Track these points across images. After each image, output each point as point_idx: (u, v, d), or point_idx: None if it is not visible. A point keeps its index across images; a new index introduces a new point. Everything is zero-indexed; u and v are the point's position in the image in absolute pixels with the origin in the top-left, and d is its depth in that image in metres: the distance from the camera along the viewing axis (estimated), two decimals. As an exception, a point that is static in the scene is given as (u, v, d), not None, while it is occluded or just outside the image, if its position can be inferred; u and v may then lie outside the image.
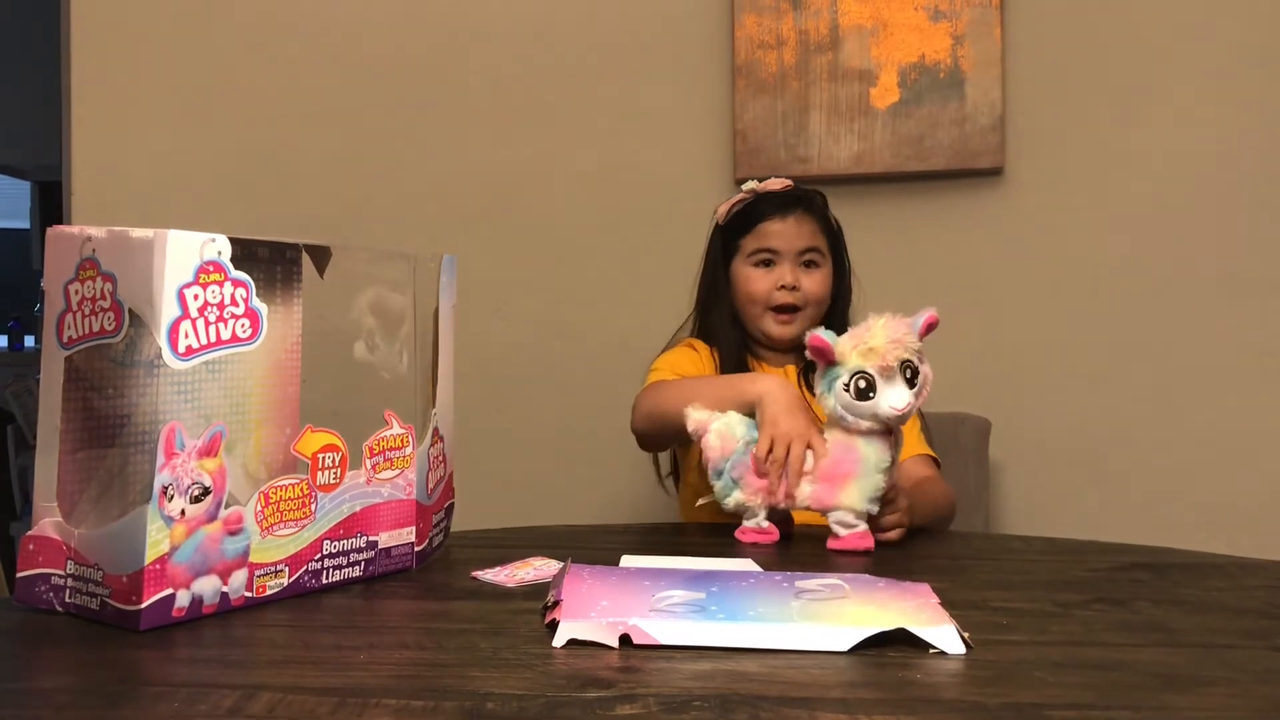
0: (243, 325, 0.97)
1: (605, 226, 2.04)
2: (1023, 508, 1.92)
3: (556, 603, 0.94)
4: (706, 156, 2.02)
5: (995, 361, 1.95)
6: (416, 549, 1.14)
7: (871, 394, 1.23)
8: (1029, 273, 1.95)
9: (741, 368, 1.58)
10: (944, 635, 0.88)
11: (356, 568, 1.08)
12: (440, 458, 1.21)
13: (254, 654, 0.87)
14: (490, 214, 2.06)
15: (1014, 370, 1.94)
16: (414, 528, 1.14)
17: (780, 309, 1.56)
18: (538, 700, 0.76)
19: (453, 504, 1.27)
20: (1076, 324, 1.93)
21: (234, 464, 0.97)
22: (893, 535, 1.28)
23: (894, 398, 1.23)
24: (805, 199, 1.61)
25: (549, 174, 2.06)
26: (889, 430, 1.25)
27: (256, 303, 0.98)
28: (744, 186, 1.62)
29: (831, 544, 1.25)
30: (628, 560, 1.10)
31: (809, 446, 1.26)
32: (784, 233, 1.57)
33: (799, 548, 1.27)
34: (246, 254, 0.97)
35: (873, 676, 0.82)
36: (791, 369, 1.60)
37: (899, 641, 0.88)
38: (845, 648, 0.87)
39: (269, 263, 1.00)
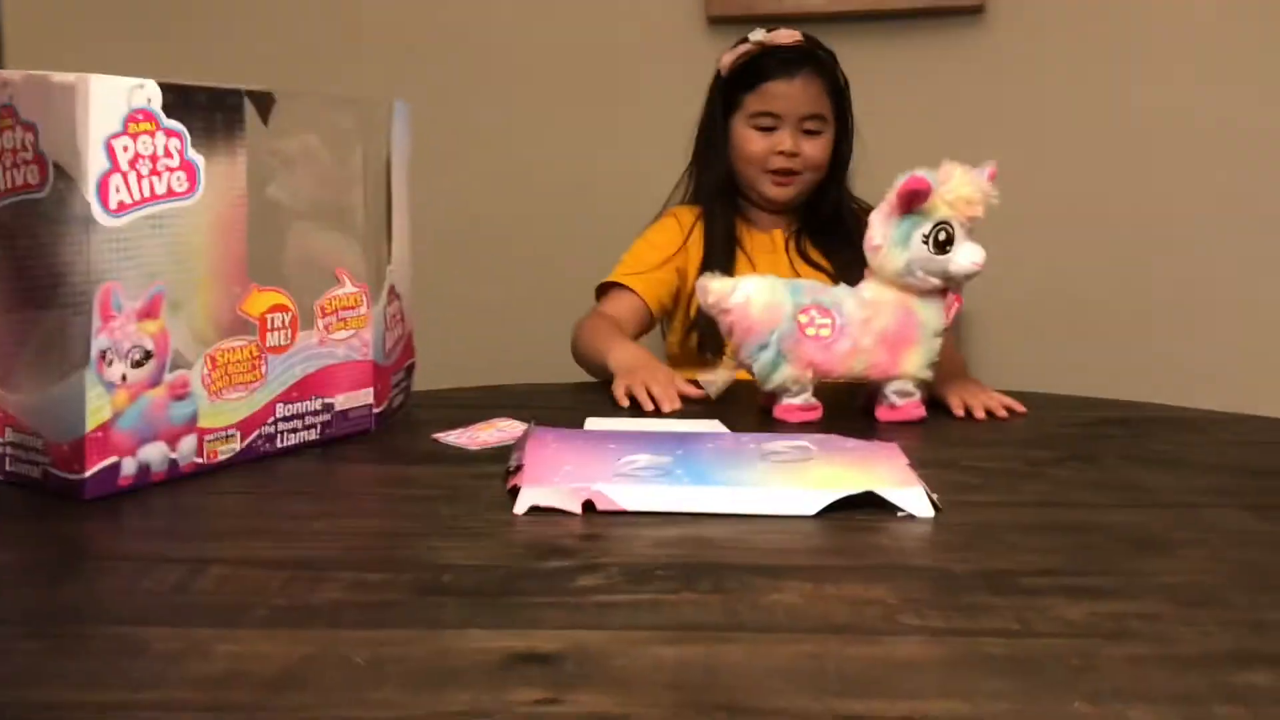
0: (179, 179, 0.91)
1: (566, 66, 1.94)
2: (994, 359, 1.90)
3: (519, 468, 0.91)
4: (676, -8, 1.92)
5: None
6: (375, 411, 1.11)
7: (949, 247, 1.15)
8: (1007, 117, 1.88)
9: (729, 233, 1.53)
10: (912, 498, 0.86)
11: (313, 431, 1.05)
12: (398, 316, 1.17)
13: (204, 524, 0.85)
14: (443, 57, 1.96)
15: (989, 217, 1.90)
16: (371, 389, 1.10)
17: (778, 171, 1.50)
18: (497, 571, 0.73)
19: (413, 364, 1.24)
20: (1054, 171, 1.88)
21: (179, 325, 0.92)
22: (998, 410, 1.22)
23: (972, 253, 1.15)
24: (813, 57, 1.53)
25: (504, 11, 1.95)
26: (944, 291, 1.18)
27: (193, 154, 0.92)
28: (751, 37, 1.53)
29: (885, 415, 1.18)
30: (592, 423, 1.07)
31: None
32: (789, 95, 1.50)
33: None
34: (181, 101, 0.91)
35: (839, 542, 0.81)
36: (779, 234, 1.55)
37: (867, 504, 0.86)
38: (812, 512, 0.85)
39: (207, 110, 0.93)
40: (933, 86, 1.89)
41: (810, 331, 1.16)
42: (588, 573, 0.73)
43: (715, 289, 1.19)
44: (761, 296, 1.17)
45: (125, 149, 0.87)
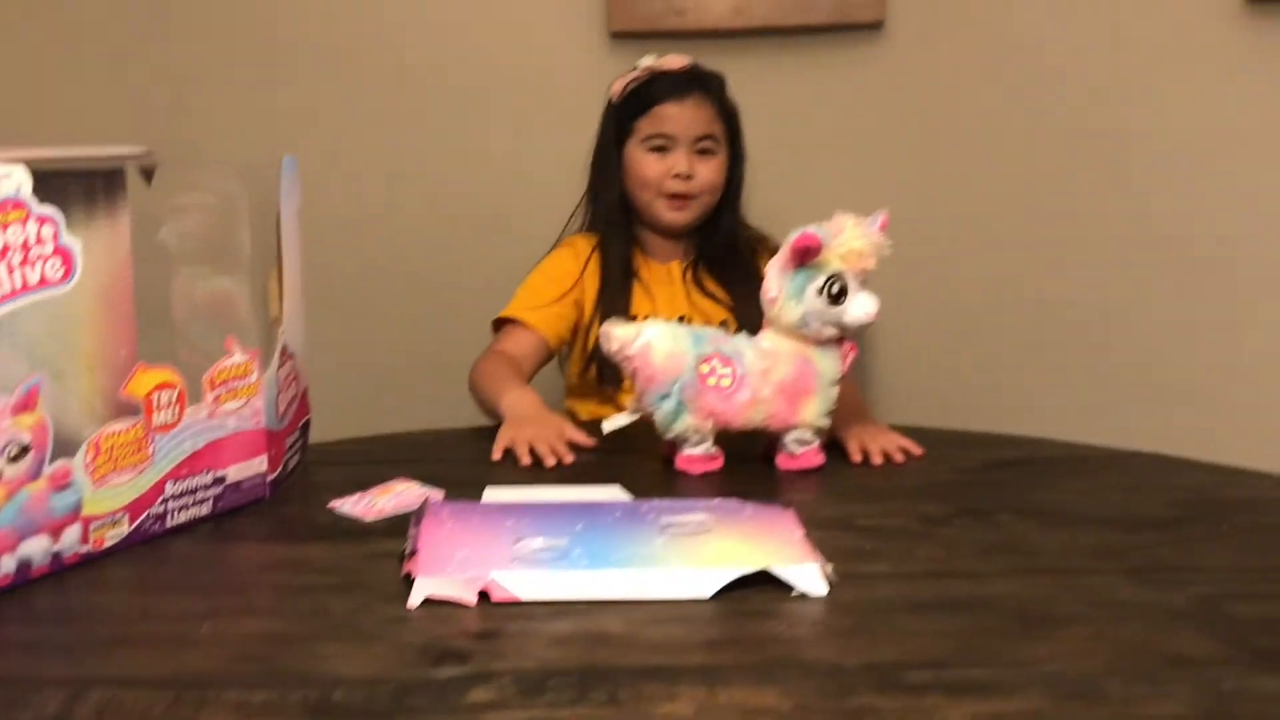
0: (53, 266, 0.89)
1: (463, 83, 1.91)
2: (892, 382, 1.93)
3: (414, 552, 0.90)
4: (576, 5, 1.90)
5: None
6: (269, 478, 1.09)
7: (843, 299, 1.16)
8: (906, 134, 1.90)
9: (625, 263, 1.53)
10: (805, 575, 0.88)
11: (204, 505, 1.03)
12: (291, 376, 1.15)
13: (88, 631, 0.83)
14: (338, 69, 1.91)
15: (888, 232, 1.92)
16: (265, 456, 1.08)
17: (673, 196, 1.50)
18: (387, 686, 0.73)
19: (308, 420, 1.22)
20: (952, 187, 1.90)
21: (66, 411, 0.90)
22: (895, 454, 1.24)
23: (865, 304, 1.16)
24: (703, 81, 1.54)
25: (396, 29, 1.91)
26: (841, 339, 1.19)
27: (68, 239, 0.89)
28: (640, 63, 1.54)
29: (785, 463, 1.20)
30: (491, 493, 1.06)
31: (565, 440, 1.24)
32: (680, 116, 1.50)
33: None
34: (53, 184, 0.88)
35: (734, 632, 0.81)
36: (676, 266, 1.55)
37: (763, 580, 0.87)
38: (708, 595, 0.85)
39: (86, 181, 0.91)
40: (833, 101, 1.90)
41: (711, 381, 1.17)
42: (480, 684, 0.73)
43: (618, 336, 1.19)
44: (664, 345, 1.18)
45: (-7, 242, 0.84)
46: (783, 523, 0.97)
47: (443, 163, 1.91)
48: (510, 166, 1.90)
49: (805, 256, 1.15)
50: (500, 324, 1.51)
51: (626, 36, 1.87)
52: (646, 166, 1.51)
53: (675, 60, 1.53)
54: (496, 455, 1.22)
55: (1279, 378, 1.82)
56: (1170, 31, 1.81)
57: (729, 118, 1.56)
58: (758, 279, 1.21)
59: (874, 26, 1.88)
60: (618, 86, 1.55)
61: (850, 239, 1.15)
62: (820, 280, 1.15)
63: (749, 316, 1.42)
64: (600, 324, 1.43)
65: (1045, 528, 1.02)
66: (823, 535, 0.97)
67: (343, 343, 1.75)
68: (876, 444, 1.24)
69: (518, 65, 1.90)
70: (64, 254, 0.89)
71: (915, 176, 1.91)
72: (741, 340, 1.20)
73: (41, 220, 0.87)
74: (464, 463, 1.20)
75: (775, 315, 1.18)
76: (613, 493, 1.07)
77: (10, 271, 0.85)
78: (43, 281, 0.88)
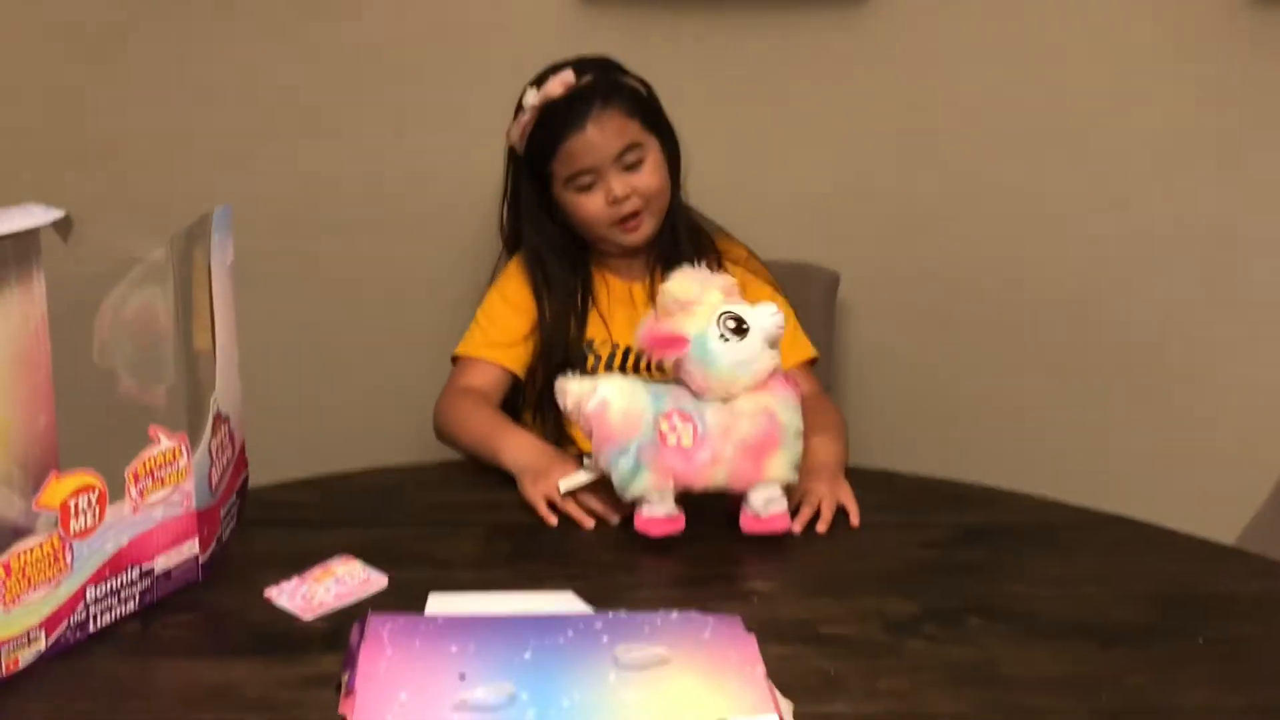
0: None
1: (429, 53, 1.77)
2: (869, 364, 1.87)
3: (350, 690, 0.85)
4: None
5: (848, 206, 1.83)
6: (201, 559, 1.03)
7: (745, 325, 1.11)
8: (887, 110, 1.80)
9: (586, 287, 1.43)
10: (765, 728, 0.83)
11: (130, 603, 0.97)
12: (226, 440, 1.07)
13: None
14: (298, 25, 1.78)
15: (867, 216, 1.84)
16: (195, 539, 1.02)
17: (623, 220, 1.40)
18: None
19: (246, 476, 1.15)
20: (935, 168, 1.81)
21: None
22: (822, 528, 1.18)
23: (766, 311, 1.12)
24: (595, 92, 1.37)
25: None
26: (787, 378, 1.16)
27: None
28: (524, 102, 1.38)
29: (751, 526, 1.13)
30: (435, 602, 1.00)
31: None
32: (589, 144, 1.35)
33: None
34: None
35: (687, 812, 0.77)
36: (639, 288, 1.45)
37: (719, 728, 0.83)
38: (662, 754, 0.81)
39: None
40: (813, 73, 1.79)
41: (671, 440, 1.12)
42: None
43: (573, 392, 1.14)
44: (620, 403, 1.12)
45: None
46: (743, 653, 0.92)
47: (402, 139, 1.80)
48: (476, 144, 1.76)
49: (674, 347, 1.12)
50: (464, 357, 1.42)
51: (598, 1, 1.75)
52: (583, 208, 1.39)
53: (559, 83, 1.37)
54: (552, 521, 1.17)
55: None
56: (1169, 20, 1.71)
57: (639, 107, 1.41)
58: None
59: (859, -3, 1.77)
60: (515, 136, 1.41)
61: (683, 289, 1.13)
62: (713, 330, 1.11)
63: None
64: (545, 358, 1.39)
65: (1015, 640, 0.98)
66: (783, 652, 0.93)
67: (284, 366, 1.69)
68: (826, 511, 1.19)
69: (489, 29, 1.77)
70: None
71: (895, 154, 1.82)
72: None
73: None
74: (408, 525, 1.15)
75: (720, 389, 1.13)
76: (566, 601, 1.01)
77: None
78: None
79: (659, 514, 1.13)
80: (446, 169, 1.79)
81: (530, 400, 1.43)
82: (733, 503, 1.17)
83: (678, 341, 1.11)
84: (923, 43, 1.77)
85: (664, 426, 1.12)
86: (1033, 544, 1.16)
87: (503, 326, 1.41)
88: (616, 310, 1.44)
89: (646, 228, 1.41)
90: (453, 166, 1.78)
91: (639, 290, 1.44)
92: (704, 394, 1.13)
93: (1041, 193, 1.80)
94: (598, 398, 1.13)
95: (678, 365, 1.13)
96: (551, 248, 1.42)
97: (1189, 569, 1.12)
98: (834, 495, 1.20)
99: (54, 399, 0.93)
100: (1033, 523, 1.21)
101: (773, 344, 1.14)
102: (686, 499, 1.14)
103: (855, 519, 1.19)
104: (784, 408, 1.14)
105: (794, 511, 1.17)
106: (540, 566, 1.10)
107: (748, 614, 0.97)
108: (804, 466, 1.17)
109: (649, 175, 1.39)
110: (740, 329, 1.11)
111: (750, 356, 1.12)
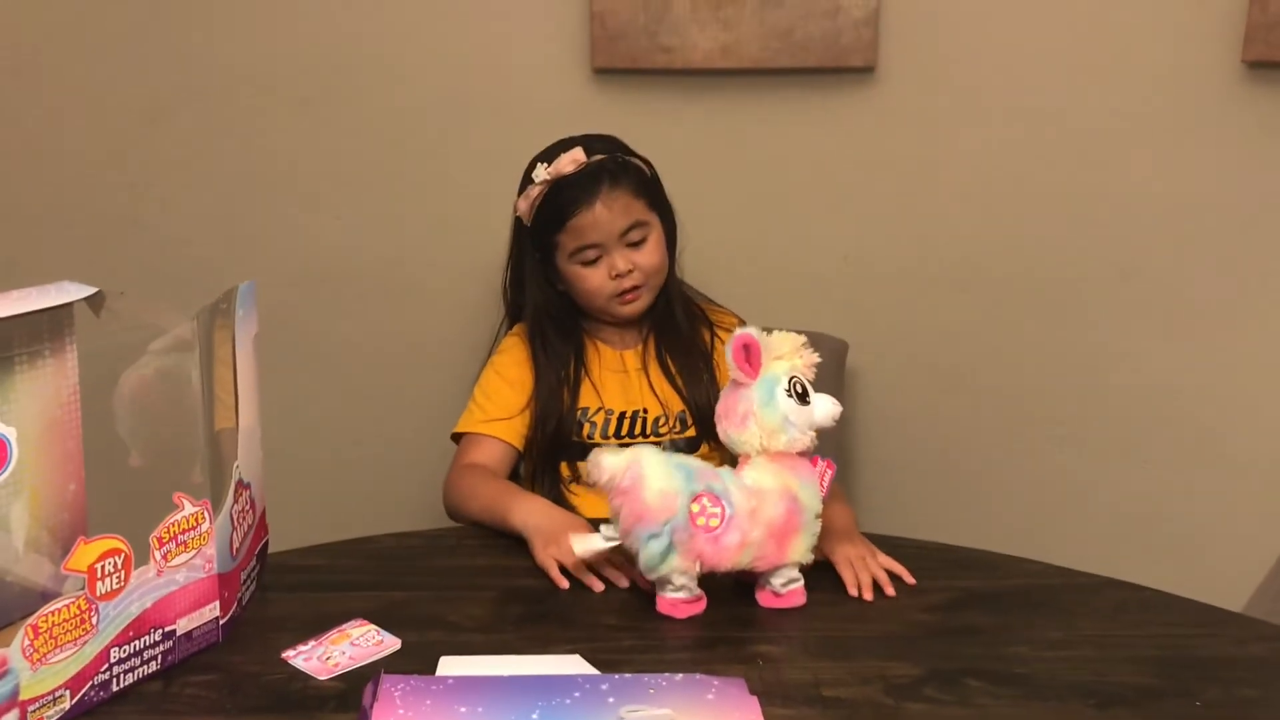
0: (-14, 457, 0.85)
1: (443, 125, 1.84)
2: (878, 431, 1.90)
3: (363, 749, 0.88)
4: (561, 42, 1.83)
5: (857, 274, 1.87)
6: (222, 621, 1.06)
7: (807, 399, 1.15)
8: (894, 181, 1.85)
9: (579, 355, 1.48)
10: (766, 790, 0.85)
11: (153, 664, 1.00)
12: (247, 507, 1.11)
13: None
14: (318, 102, 1.85)
15: (877, 285, 1.88)
16: (217, 602, 1.05)
17: (623, 293, 1.45)
18: None
19: (266, 542, 1.19)
20: (942, 237, 1.85)
21: (13, 559, 0.89)
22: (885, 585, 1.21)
23: (828, 404, 1.17)
24: (605, 170, 1.43)
25: (380, 61, 1.84)
26: (815, 458, 1.19)
27: (3, 430, 0.85)
28: (535, 176, 1.45)
29: (768, 601, 1.16)
30: (446, 665, 1.03)
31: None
32: (598, 221, 1.42)
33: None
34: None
35: None
36: (631, 356, 1.50)
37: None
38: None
39: (28, 326, 0.89)
40: (822, 146, 1.84)
41: (701, 522, 1.13)
42: None
43: (608, 466, 1.14)
44: (657, 481, 1.12)
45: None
46: (746, 716, 0.94)
47: (417, 210, 1.86)
48: (492, 217, 1.81)
49: (754, 358, 1.14)
50: (466, 435, 1.47)
51: (611, 73, 1.81)
52: (586, 280, 1.45)
53: (569, 161, 1.43)
54: (563, 584, 1.20)
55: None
56: (1167, 87, 1.75)
57: (644, 187, 1.47)
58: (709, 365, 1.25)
59: (865, 70, 1.82)
60: (523, 207, 1.47)
61: (782, 340, 1.16)
62: (784, 381, 1.15)
63: (698, 394, 1.46)
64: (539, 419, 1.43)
65: (1015, 703, 1.00)
66: (786, 714, 0.95)
67: (303, 436, 1.74)
68: (867, 573, 1.21)
69: (497, 99, 1.83)
70: (-2, 443, 0.85)
71: (902, 224, 1.86)
72: (726, 474, 1.16)
73: (-28, 412, 0.83)
74: (421, 589, 1.18)
75: (753, 431, 1.15)
76: (573, 666, 1.04)
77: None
78: (-25, 476, 0.84)
79: (681, 597, 1.15)
80: (462, 242, 1.85)
81: (527, 471, 1.47)
82: (745, 572, 1.19)
83: (757, 357, 1.14)
84: (928, 115, 1.81)
85: (695, 508, 1.12)
86: (1033, 607, 1.18)
87: (500, 402, 1.46)
88: (608, 378, 1.49)
89: (644, 301, 1.46)
90: (468, 240, 1.83)
91: (631, 358, 1.49)
92: (735, 432, 1.16)
93: (1047, 263, 1.83)
94: (633, 473, 1.13)
95: (731, 389, 1.17)
96: (550, 315, 1.47)
97: (1188, 632, 1.13)
98: (867, 559, 1.23)
99: (84, 466, 0.97)
100: (1033, 586, 1.23)
101: (816, 429, 1.17)
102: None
103: (909, 577, 1.22)
104: (804, 489, 1.16)
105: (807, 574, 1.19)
106: (549, 629, 1.12)
107: (752, 676, 1.00)
108: (827, 532, 1.20)
109: (651, 252, 1.45)
110: (804, 398, 1.15)
111: (799, 423, 1.15)
